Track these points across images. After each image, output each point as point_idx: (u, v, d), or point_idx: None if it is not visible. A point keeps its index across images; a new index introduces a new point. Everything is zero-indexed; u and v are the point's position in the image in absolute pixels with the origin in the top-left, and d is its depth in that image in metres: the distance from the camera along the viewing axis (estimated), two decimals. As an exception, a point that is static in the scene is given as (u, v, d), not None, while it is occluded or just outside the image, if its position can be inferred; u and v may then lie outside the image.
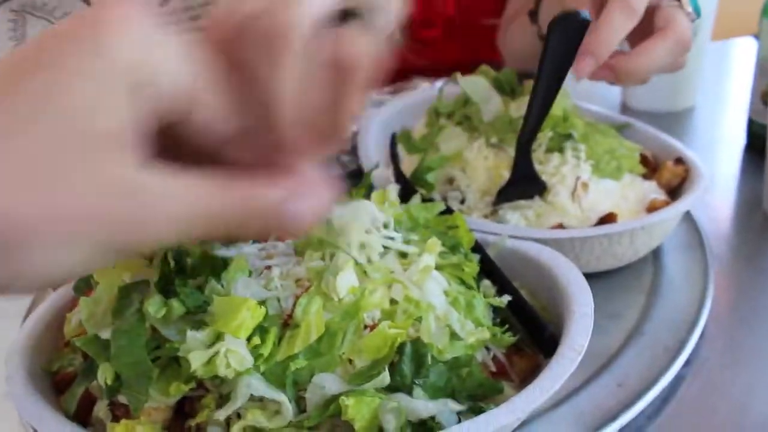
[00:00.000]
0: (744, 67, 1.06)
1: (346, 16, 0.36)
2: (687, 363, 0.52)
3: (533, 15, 0.77)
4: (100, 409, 0.43)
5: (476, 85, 0.69)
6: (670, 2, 0.61)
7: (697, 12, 0.61)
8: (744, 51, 1.14)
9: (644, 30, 0.60)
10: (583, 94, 0.75)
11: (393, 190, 0.53)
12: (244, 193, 0.31)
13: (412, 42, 0.61)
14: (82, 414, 0.44)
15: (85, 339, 0.43)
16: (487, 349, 0.46)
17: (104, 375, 0.41)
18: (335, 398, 0.40)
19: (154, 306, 0.41)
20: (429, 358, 0.42)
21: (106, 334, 0.42)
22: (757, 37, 0.83)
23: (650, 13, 0.61)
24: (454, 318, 0.45)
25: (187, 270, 0.44)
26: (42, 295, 0.61)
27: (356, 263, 0.45)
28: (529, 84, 0.71)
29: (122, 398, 0.42)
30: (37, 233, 0.27)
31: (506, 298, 0.48)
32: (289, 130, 0.34)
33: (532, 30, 0.77)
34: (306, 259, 0.46)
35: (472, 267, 0.50)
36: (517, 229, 0.58)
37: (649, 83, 0.95)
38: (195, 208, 0.30)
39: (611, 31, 0.57)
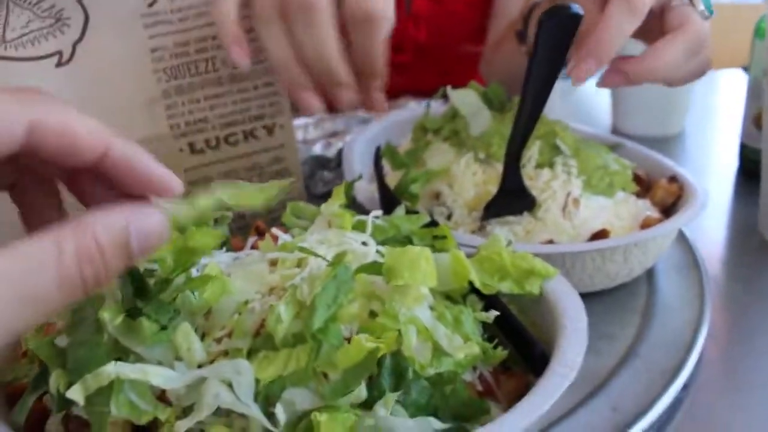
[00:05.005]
0: (732, 95, 1.07)
1: None
2: (684, 387, 0.49)
3: (521, 36, 0.74)
4: (53, 424, 0.39)
5: (466, 98, 0.67)
6: (681, 2, 0.58)
7: (709, 10, 0.58)
8: (732, 81, 1.15)
9: (656, 33, 0.57)
10: (573, 117, 0.73)
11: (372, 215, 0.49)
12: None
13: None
14: (33, 430, 0.40)
15: (39, 342, 0.39)
16: (474, 367, 0.43)
17: (57, 382, 0.37)
18: (307, 414, 0.36)
19: (110, 313, 0.37)
20: (410, 373, 0.39)
21: (62, 342, 0.39)
22: (746, 69, 0.82)
23: (661, 15, 0.58)
24: (441, 333, 0.42)
25: (149, 289, 0.41)
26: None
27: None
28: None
29: (77, 411, 0.38)
30: None
31: (493, 313, 0.46)
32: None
33: (521, 51, 0.74)
34: (280, 267, 0.43)
35: (458, 281, 0.47)
36: (506, 244, 0.55)
37: (639, 108, 0.96)
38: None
39: (612, 32, 0.53)
